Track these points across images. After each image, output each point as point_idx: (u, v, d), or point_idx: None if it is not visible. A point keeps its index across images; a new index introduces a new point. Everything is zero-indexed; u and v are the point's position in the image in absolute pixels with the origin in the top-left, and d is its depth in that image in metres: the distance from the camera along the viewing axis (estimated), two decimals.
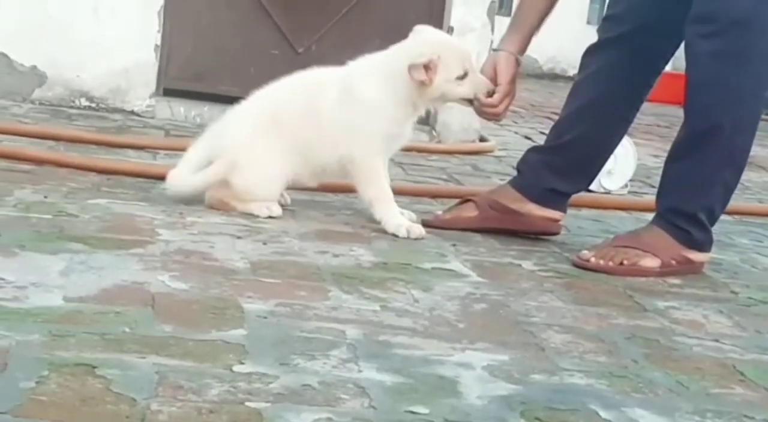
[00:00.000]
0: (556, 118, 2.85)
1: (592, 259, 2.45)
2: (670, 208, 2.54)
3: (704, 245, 2.56)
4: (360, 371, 1.60)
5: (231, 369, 1.54)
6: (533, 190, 2.72)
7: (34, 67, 4.31)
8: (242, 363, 1.57)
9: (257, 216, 2.60)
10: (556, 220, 2.75)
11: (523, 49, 2.67)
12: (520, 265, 2.42)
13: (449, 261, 2.38)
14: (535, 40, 2.72)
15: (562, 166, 2.71)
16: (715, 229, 2.59)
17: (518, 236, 2.70)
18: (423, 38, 2.64)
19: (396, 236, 2.56)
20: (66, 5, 4.30)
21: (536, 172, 2.73)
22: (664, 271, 2.47)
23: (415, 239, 2.55)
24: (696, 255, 2.55)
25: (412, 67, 2.53)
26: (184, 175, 2.66)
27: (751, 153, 2.58)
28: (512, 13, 2.73)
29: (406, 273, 2.23)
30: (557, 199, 2.74)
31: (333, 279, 2.11)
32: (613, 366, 1.76)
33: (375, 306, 1.95)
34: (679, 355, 1.87)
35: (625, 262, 2.44)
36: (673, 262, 2.48)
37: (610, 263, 2.43)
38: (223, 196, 2.64)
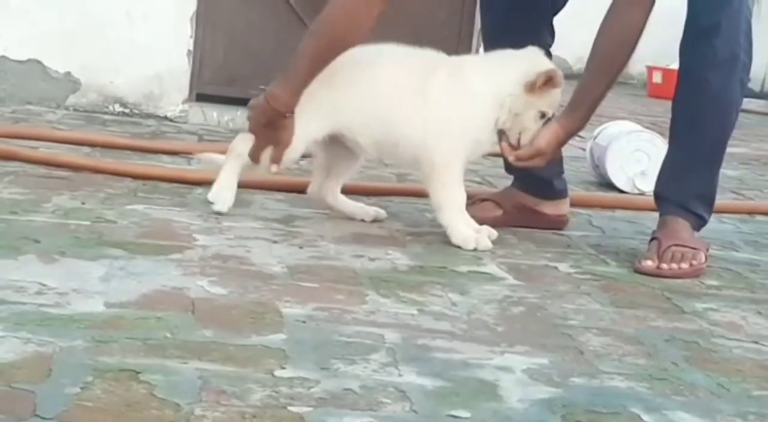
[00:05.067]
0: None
1: (663, 265, 2.42)
2: (685, 195, 2.55)
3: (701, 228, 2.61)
4: (400, 375, 1.61)
5: (272, 374, 1.55)
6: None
7: (68, 74, 4.34)
8: (283, 368, 1.58)
9: (293, 222, 2.62)
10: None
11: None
12: (556, 268, 2.42)
13: (485, 265, 2.38)
14: (563, 40, 2.69)
15: None
16: (751, 230, 2.56)
17: (553, 238, 2.70)
18: (545, 59, 2.58)
19: (459, 247, 2.49)
20: (99, 12, 4.32)
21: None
22: (707, 264, 2.48)
23: (483, 250, 2.49)
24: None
25: (545, 72, 2.48)
26: None
27: None
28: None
29: (442, 277, 2.23)
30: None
31: (370, 283, 2.12)
32: (653, 368, 1.76)
33: (413, 310, 1.96)
34: (719, 357, 1.87)
35: (694, 263, 2.44)
36: (705, 251, 2.50)
37: (680, 267, 2.43)
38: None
